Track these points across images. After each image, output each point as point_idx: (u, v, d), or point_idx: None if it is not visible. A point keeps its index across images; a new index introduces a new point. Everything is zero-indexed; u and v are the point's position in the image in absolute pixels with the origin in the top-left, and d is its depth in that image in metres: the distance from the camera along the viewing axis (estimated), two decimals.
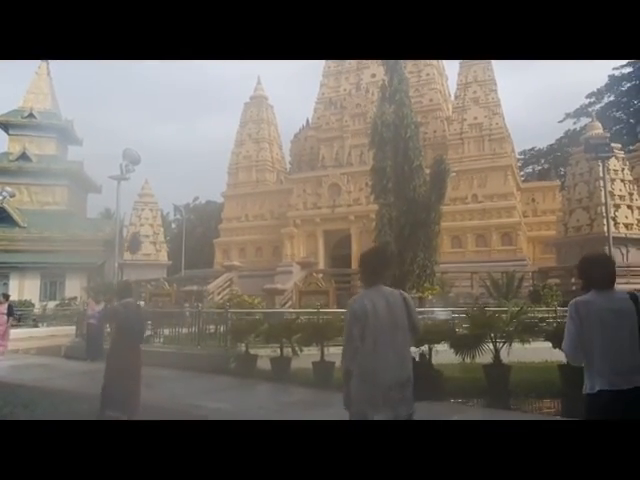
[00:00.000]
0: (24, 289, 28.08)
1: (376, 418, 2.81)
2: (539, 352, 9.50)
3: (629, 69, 44.62)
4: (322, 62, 35.96)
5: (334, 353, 9.95)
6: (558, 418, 6.86)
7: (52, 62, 37.22)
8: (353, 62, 34.82)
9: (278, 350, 9.76)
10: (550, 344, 8.85)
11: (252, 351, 10.32)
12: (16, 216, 29.87)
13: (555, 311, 11.90)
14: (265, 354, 10.13)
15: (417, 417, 2.77)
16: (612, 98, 45.90)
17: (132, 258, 30.89)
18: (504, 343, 8.42)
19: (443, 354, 8.84)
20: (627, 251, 19.89)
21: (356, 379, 2.98)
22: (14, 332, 20.65)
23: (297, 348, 9.52)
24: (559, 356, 8.76)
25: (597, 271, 2.99)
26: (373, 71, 33.28)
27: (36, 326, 22.71)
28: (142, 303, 18.48)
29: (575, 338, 2.79)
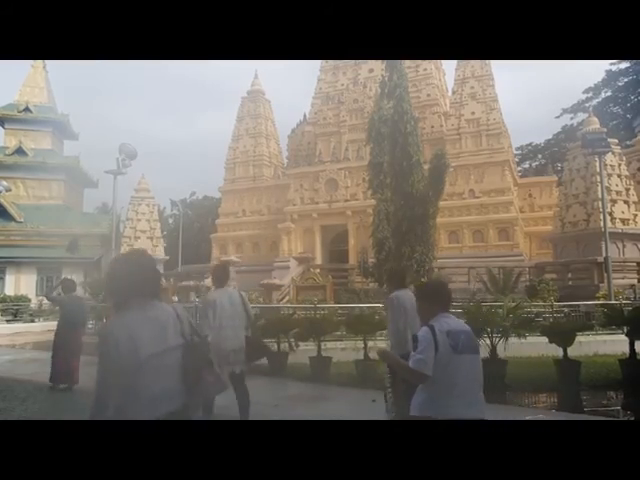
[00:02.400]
0: (20, 284, 28.03)
1: (225, 373, 4.64)
2: (535, 346, 9.54)
3: (626, 64, 44.64)
4: None
5: (331, 348, 9.97)
6: (553, 412, 6.89)
7: None
8: None
9: (275, 345, 9.77)
10: (546, 339, 8.90)
11: None
12: (12, 211, 29.77)
13: (551, 306, 11.95)
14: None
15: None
16: (609, 93, 45.95)
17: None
18: (501, 338, 8.45)
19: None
20: (623, 246, 19.96)
21: (212, 351, 3.43)
22: (10, 327, 20.63)
23: (294, 343, 9.53)
24: (555, 350, 8.82)
25: (441, 296, 2.98)
26: (371, 66, 33.19)
27: (32, 321, 22.69)
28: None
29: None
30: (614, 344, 9.91)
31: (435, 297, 2.95)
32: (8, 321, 22.36)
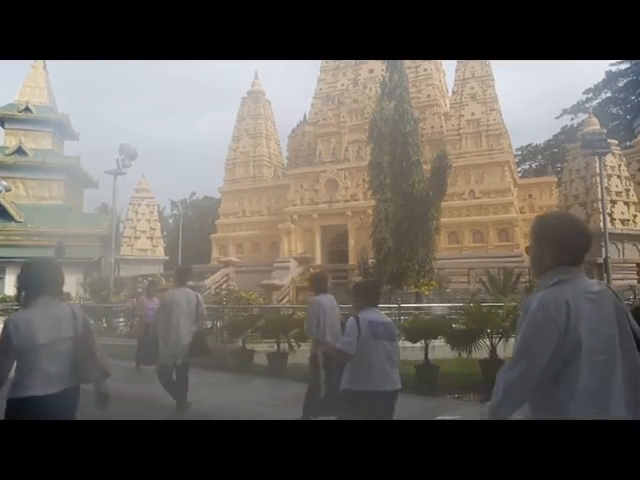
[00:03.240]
0: None
1: (169, 363, 5.71)
2: None
3: (626, 65, 44.67)
4: None
5: None
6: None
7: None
8: None
9: (275, 345, 9.77)
10: None
11: (249, 346, 10.32)
12: (12, 211, 29.78)
13: None
14: (262, 349, 10.14)
15: (413, 413, 2.79)
16: (609, 94, 45.98)
17: (131, 253, 30.82)
18: (500, 338, 8.45)
19: (440, 349, 8.87)
20: (623, 247, 19.98)
21: (161, 341, 5.74)
22: None
23: (294, 343, 9.53)
24: None
25: (370, 294, 3.74)
26: (371, 67, 33.20)
27: None
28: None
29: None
30: None
31: (365, 294, 3.71)
32: None
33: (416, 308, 11.68)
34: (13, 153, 32.53)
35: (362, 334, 3.41)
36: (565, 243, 1.86)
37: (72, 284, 28.13)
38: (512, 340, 8.54)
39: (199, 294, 6.12)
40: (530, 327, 1.71)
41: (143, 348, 9.03)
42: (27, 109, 33.78)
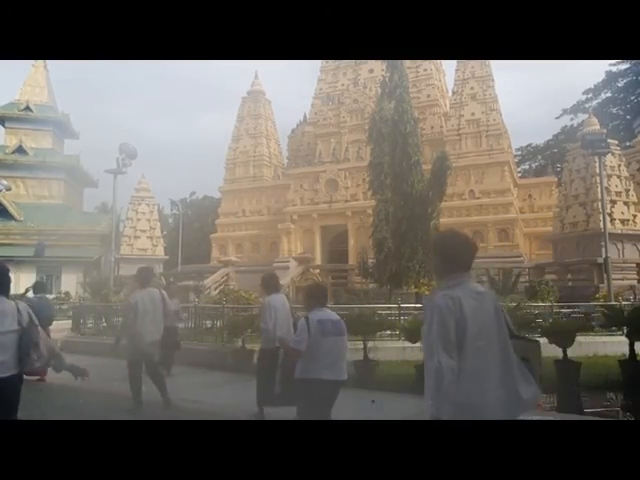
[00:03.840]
0: (20, 283, 27.96)
1: (138, 359, 6.05)
2: None
3: (626, 65, 44.64)
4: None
5: None
6: (553, 413, 6.89)
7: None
8: None
9: None
10: (546, 339, 8.89)
11: (249, 346, 10.31)
12: (12, 209, 29.78)
13: (551, 307, 11.94)
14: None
15: (413, 413, 2.79)
16: (609, 94, 45.96)
17: (131, 253, 30.81)
18: None
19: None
20: (623, 247, 19.97)
21: (128, 339, 6.12)
22: None
23: None
24: (555, 351, 8.81)
25: (317, 295, 4.28)
26: (371, 67, 33.17)
27: None
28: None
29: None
30: (614, 345, 9.91)
31: (315, 296, 4.22)
32: None
33: (416, 308, 11.67)
34: (13, 152, 32.53)
35: (312, 332, 3.92)
36: (454, 255, 2.32)
37: (72, 283, 28.16)
38: (511, 341, 8.55)
39: (164, 292, 6.47)
40: (439, 318, 2.12)
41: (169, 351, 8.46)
42: (28, 108, 33.78)
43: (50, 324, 9.11)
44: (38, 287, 10.69)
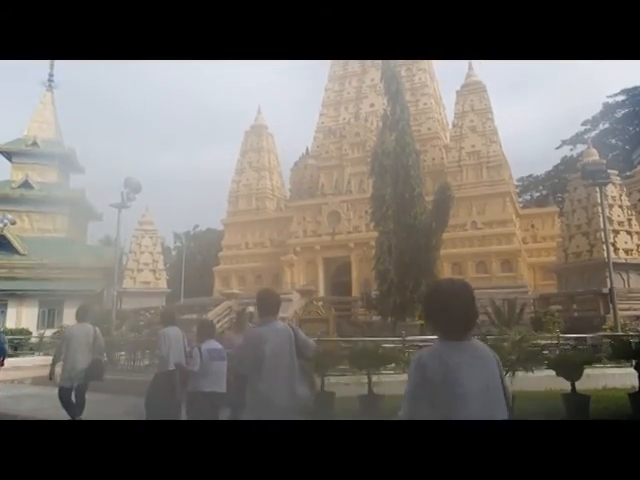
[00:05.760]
0: (22, 317, 27.90)
1: (67, 386, 6.77)
2: (542, 380, 9.36)
3: (623, 97, 45.44)
4: (322, 91, 36.64)
5: (334, 383, 9.81)
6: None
7: (56, 91, 37.93)
8: (352, 92, 35.44)
9: None
10: (554, 372, 8.74)
11: None
12: (16, 243, 29.92)
13: (557, 338, 11.78)
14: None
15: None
16: (607, 125, 46.58)
17: (133, 286, 30.77)
18: (507, 372, 8.30)
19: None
20: (628, 277, 19.84)
21: (61, 367, 6.84)
22: (10, 361, 20.44)
23: None
24: (563, 384, 8.65)
25: (206, 331, 5.97)
26: (372, 101, 33.84)
27: (33, 355, 22.46)
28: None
29: None
30: (623, 377, 9.72)
31: (204, 332, 5.83)
32: (8, 355, 22.11)
33: (421, 340, 11.53)
34: (19, 186, 32.92)
35: (203, 358, 5.42)
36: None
37: (74, 317, 28.01)
38: (519, 374, 8.42)
39: (97, 329, 7.35)
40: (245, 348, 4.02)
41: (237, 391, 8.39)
42: (34, 144, 34.37)
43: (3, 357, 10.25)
44: None
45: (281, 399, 3.61)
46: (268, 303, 4.06)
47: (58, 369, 7.07)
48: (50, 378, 7.23)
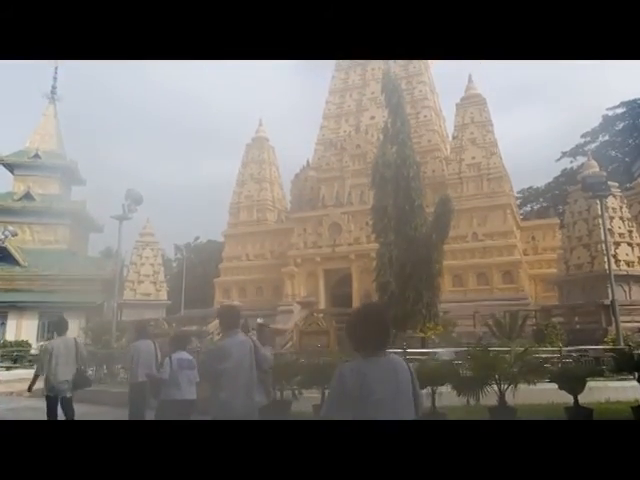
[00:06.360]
0: (22, 329, 27.83)
1: (52, 395, 6.82)
2: (545, 393, 9.30)
3: (622, 109, 45.68)
4: (322, 104, 36.87)
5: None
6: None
7: (59, 103, 38.23)
8: (353, 104, 35.68)
9: (278, 393, 9.55)
10: (556, 385, 8.68)
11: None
12: (17, 255, 29.94)
13: (560, 351, 11.72)
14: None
15: None
16: (607, 137, 46.77)
17: (134, 297, 30.73)
18: (509, 384, 8.25)
19: (447, 396, 8.65)
20: (629, 288, 19.78)
21: (45, 379, 6.89)
22: (9, 374, 20.32)
23: (297, 391, 9.32)
24: (565, 398, 8.59)
25: (177, 343, 6.15)
26: (372, 113, 34.05)
27: (32, 367, 22.34)
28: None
29: None
30: (626, 390, 9.65)
31: (175, 344, 6.07)
32: (8, 368, 22.04)
33: (422, 353, 11.48)
34: (21, 198, 33.03)
35: (173, 367, 5.71)
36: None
37: (74, 329, 27.90)
38: (521, 386, 8.36)
39: (78, 340, 7.69)
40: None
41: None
42: (36, 156, 34.55)
43: None
44: None
45: (240, 405, 3.99)
46: (230, 318, 4.44)
47: (40, 383, 7.17)
48: (29, 390, 7.35)
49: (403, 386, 2.40)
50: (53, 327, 8.05)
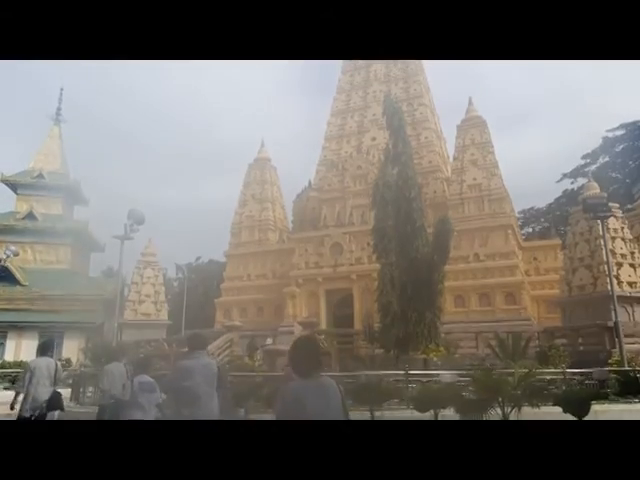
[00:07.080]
0: (21, 349, 27.64)
1: (26, 415, 6.95)
2: (549, 416, 9.16)
3: (622, 131, 46.07)
4: (324, 125, 37.26)
5: None
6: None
7: (63, 125, 38.68)
8: (354, 125, 36.04)
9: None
10: (560, 408, 8.56)
11: (253, 416, 9.96)
12: (18, 275, 29.93)
13: (563, 373, 11.59)
14: (267, 419, 9.74)
15: None
16: (607, 159, 47.06)
17: (134, 317, 30.60)
18: (513, 407, 8.13)
19: (450, 419, 8.52)
20: (632, 310, 19.65)
21: (23, 397, 7.11)
22: (8, 394, 20.10)
23: None
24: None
25: (142, 369, 6.71)
26: (373, 134, 34.36)
27: None
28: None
29: None
30: (632, 414, 9.51)
31: (138, 367, 6.62)
32: (6, 388, 21.82)
33: (424, 375, 11.36)
34: (24, 218, 33.18)
35: (134, 390, 6.14)
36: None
37: (74, 349, 27.76)
38: (525, 409, 8.24)
39: (58, 362, 7.84)
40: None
41: None
42: (40, 176, 34.81)
43: None
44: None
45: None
46: (196, 342, 5.01)
47: (20, 399, 7.34)
48: (11, 408, 7.43)
49: (333, 402, 2.91)
50: (40, 346, 8.16)
